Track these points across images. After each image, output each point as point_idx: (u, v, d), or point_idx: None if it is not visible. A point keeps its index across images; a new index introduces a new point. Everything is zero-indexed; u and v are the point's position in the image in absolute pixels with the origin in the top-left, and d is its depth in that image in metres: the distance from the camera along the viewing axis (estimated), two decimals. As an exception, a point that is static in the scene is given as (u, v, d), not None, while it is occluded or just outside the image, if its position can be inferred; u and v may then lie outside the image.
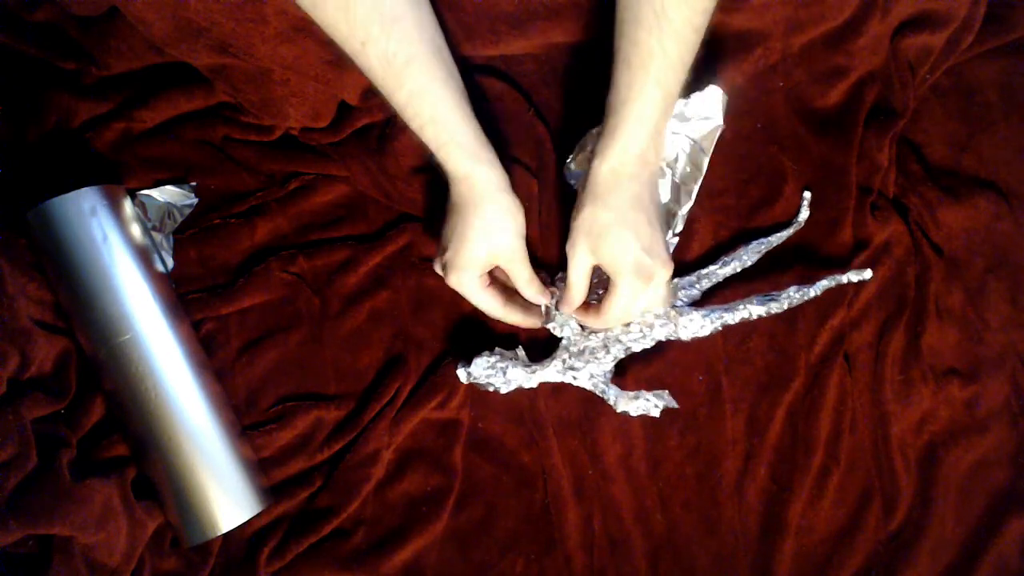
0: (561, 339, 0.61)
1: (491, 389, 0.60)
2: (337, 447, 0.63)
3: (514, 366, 0.60)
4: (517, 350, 0.61)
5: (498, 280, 0.61)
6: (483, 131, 0.56)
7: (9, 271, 0.56)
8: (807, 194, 0.63)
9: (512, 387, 0.60)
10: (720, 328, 0.58)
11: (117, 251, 0.58)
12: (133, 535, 0.56)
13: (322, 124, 0.64)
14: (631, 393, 0.59)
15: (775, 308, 0.58)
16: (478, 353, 0.60)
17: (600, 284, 0.60)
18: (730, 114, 0.62)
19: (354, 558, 0.61)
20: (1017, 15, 0.64)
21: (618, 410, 0.59)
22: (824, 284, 0.59)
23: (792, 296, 0.58)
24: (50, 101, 0.62)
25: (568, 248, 0.56)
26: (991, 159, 0.65)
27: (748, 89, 0.64)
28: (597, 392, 0.60)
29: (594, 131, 0.60)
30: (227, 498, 0.58)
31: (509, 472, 0.63)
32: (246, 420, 0.63)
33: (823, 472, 0.61)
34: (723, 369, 0.63)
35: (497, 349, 0.60)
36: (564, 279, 0.58)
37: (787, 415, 0.62)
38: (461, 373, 0.60)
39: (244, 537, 0.61)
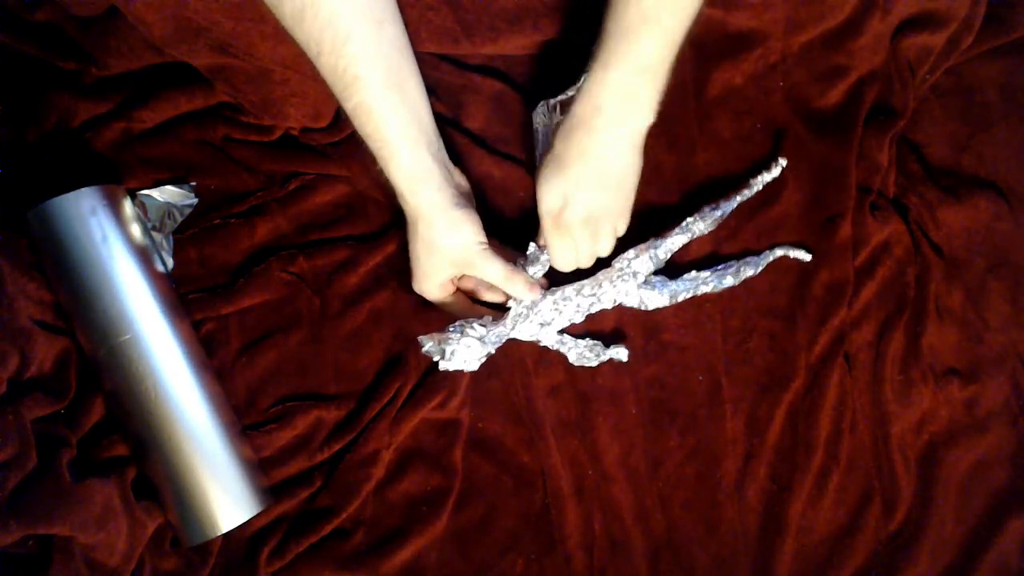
0: (511, 305, 0.60)
1: (460, 364, 0.58)
2: (337, 447, 0.63)
3: (472, 334, 0.58)
4: (486, 322, 0.59)
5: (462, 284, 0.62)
6: (436, 148, 0.56)
7: (9, 271, 0.56)
8: (782, 160, 0.62)
9: (475, 357, 0.58)
10: (679, 300, 0.61)
11: (117, 251, 0.58)
12: (133, 535, 0.56)
13: (322, 124, 0.64)
14: (587, 343, 0.61)
15: (731, 280, 0.61)
16: (447, 334, 0.59)
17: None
18: (729, 114, 0.62)
19: (354, 558, 0.61)
20: (1017, 15, 0.64)
21: (575, 363, 0.61)
22: (771, 257, 0.62)
23: (738, 273, 0.61)
24: (50, 101, 0.62)
25: (537, 178, 0.56)
26: (991, 159, 0.65)
27: (748, 89, 0.64)
28: (556, 347, 0.61)
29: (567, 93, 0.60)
30: (227, 498, 0.58)
31: (509, 472, 0.63)
32: (246, 420, 0.63)
33: (823, 472, 0.61)
34: (723, 369, 0.63)
35: (462, 326, 0.59)
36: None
37: (787, 415, 0.62)
38: (426, 345, 0.59)
39: (244, 537, 0.61)
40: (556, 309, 0.60)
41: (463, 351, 0.58)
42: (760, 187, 0.62)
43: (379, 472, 0.62)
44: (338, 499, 0.62)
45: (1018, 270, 0.63)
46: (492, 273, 0.58)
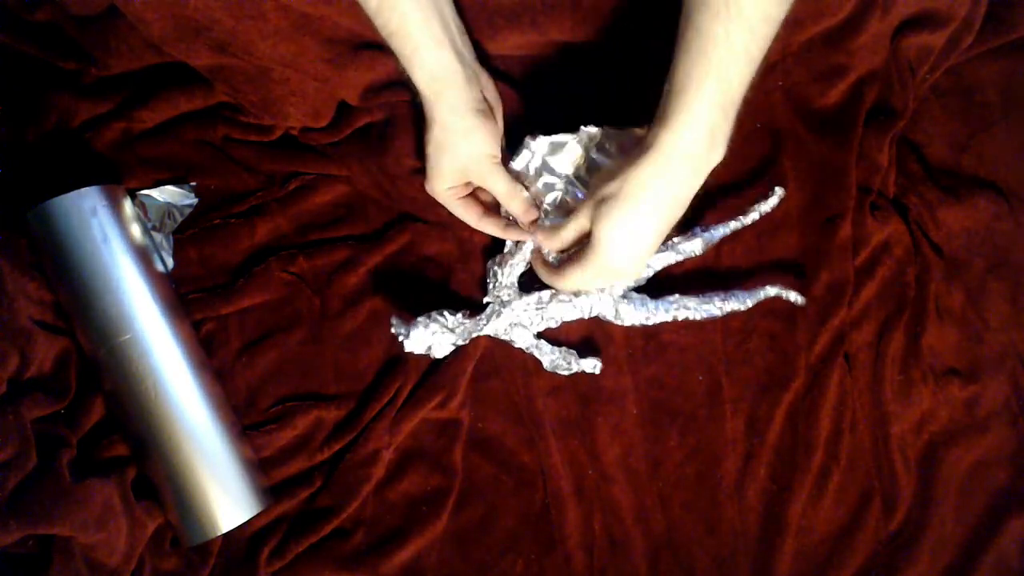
0: (489, 303, 0.61)
1: (423, 349, 0.59)
2: (337, 447, 0.63)
3: (441, 321, 0.59)
4: (457, 315, 0.60)
5: (478, 194, 0.62)
6: (460, 48, 0.55)
7: (9, 271, 0.56)
8: (779, 190, 0.62)
9: (440, 343, 0.59)
10: (656, 320, 0.60)
11: (117, 251, 0.58)
12: (133, 535, 0.56)
13: (322, 124, 0.64)
14: (561, 351, 0.61)
15: (713, 310, 0.60)
16: (416, 319, 0.59)
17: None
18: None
19: (354, 558, 0.61)
20: (1017, 15, 0.64)
21: (548, 369, 0.62)
22: (761, 295, 0.61)
23: (723, 305, 0.60)
24: (50, 101, 0.62)
25: (595, 212, 0.54)
26: (991, 159, 0.65)
27: (748, 89, 0.64)
28: (530, 351, 0.62)
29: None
30: (227, 498, 0.58)
31: (509, 472, 0.63)
32: (246, 420, 0.63)
33: (823, 472, 0.61)
34: (723, 369, 0.63)
35: (433, 314, 0.59)
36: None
37: (787, 415, 0.62)
38: (398, 331, 0.59)
39: (244, 537, 0.61)
40: (529, 312, 0.60)
41: (428, 336, 0.58)
42: (757, 216, 0.61)
43: (379, 472, 0.62)
44: (338, 499, 0.62)
45: (1018, 270, 0.63)
46: (496, 187, 0.58)
